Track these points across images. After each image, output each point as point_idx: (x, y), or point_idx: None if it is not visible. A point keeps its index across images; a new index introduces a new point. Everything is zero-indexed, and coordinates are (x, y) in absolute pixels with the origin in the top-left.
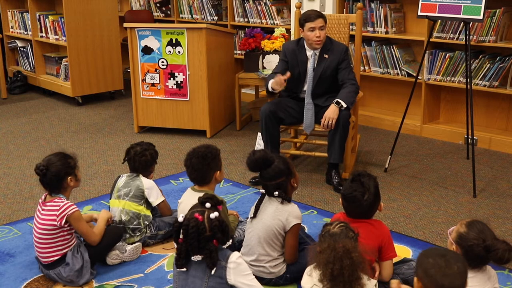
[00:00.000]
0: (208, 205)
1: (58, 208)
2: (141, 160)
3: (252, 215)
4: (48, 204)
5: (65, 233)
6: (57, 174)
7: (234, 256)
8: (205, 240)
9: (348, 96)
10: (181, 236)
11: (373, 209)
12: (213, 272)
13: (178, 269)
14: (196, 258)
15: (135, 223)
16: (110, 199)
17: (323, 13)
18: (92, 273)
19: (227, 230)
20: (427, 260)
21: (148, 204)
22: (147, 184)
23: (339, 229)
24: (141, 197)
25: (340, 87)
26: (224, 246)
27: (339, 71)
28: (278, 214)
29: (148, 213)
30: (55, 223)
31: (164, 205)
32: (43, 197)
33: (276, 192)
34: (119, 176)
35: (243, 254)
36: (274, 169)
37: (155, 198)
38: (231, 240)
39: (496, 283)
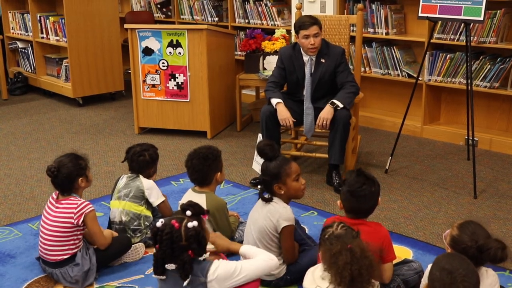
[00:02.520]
0: (188, 213)
1: (75, 206)
2: (138, 160)
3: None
4: (63, 202)
5: (78, 232)
6: (68, 176)
7: (213, 267)
8: (180, 249)
9: (345, 96)
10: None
11: (375, 204)
12: (185, 283)
13: (155, 277)
14: (170, 266)
15: (135, 223)
16: (111, 200)
17: (318, 18)
18: (96, 278)
19: (204, 242)
20: (436, 271)
21: (148, 205)
22: (147, 184)
23: (343, 230)
24: (141, 198)
25: (339, 89)
26: (201, 259)
27: (337, 74)
28: (270, 215)
29: (149, 213)
30: (72, 221)
31: (165, 206)
32: (54, 195)
33: (259, 186)
34: (120, 177)
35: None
36: (267, 165)
37: (156, 198)
38: (208, 253)
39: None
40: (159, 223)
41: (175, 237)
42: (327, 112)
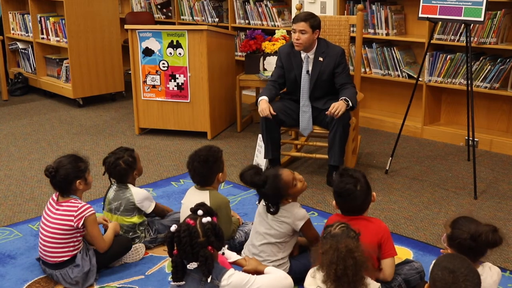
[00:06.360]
0: (200, 212)
1: (76, 209)
2: (115, 171)
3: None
4: (63, 204)
5: (78, 234)
6: (66, 177)
7: (228, 273)
8: (200, 246)
9: (353, 96)
10: (175, 248)
11: (367, 200)
12: (209, 280)
13: (174, 283)
14: (192, 265)
15: (131, 233)
16: (103, 209)
17: (315, 17)
18: (96, 279)
19: (221, 234)
20: (437, 271)
21: (140, 211)
22: (137, 197)
23: (340, 230)
24: (132, 210)
25: (339, 90)
26: (220, 252)
27: (336, 75)
28: (284, 219)
29: (142, 218)
30: (72, 223)
31: (157, 207)
32: (54, 197)
33: (264, 203)
34: (110, 187)
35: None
36: (265, 193)
37: (148, 206)
38: (227, 246)
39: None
40: (172, 228)
41: (193, 233)
42: (341, 104)
